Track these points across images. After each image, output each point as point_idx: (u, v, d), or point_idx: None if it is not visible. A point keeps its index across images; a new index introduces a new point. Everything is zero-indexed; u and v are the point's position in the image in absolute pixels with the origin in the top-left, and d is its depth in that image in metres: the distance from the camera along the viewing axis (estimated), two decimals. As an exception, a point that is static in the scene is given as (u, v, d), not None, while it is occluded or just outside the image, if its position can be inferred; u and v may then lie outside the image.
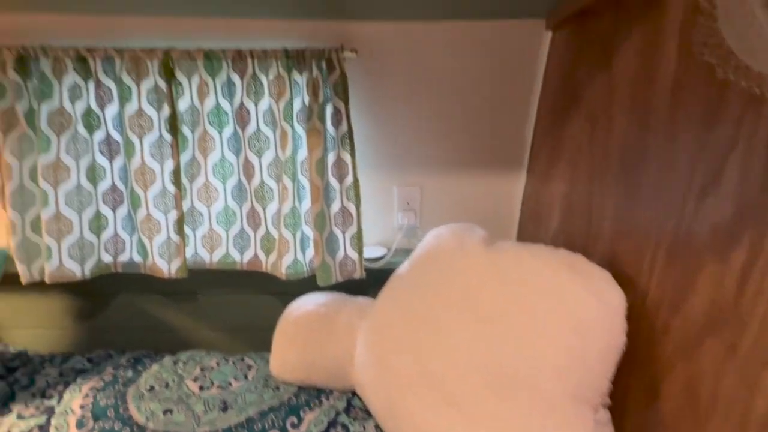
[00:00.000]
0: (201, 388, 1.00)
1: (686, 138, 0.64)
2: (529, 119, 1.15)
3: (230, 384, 1.01)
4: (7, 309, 1.24)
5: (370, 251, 1.21)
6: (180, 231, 1.08)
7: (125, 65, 1.01)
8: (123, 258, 1.14)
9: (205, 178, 1.11)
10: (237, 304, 1.25)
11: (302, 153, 1.07)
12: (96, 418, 0.90)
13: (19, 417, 0.91)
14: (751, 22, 0.49)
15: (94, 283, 1.11)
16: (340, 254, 1.12)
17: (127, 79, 1.02)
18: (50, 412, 0.92)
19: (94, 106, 1.04)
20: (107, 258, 1.13)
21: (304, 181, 1.09)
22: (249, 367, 1.07)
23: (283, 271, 1.11)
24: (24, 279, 1.07)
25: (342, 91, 1.02)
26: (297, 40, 1.03)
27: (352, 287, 1.13)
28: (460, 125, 1.15)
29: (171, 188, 1.07)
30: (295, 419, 0.90)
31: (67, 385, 1.01)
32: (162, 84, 1.01)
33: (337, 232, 1.11)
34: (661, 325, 0.68)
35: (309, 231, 1.12)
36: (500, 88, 1.11)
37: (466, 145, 1.17)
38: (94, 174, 1.07)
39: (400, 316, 0.90)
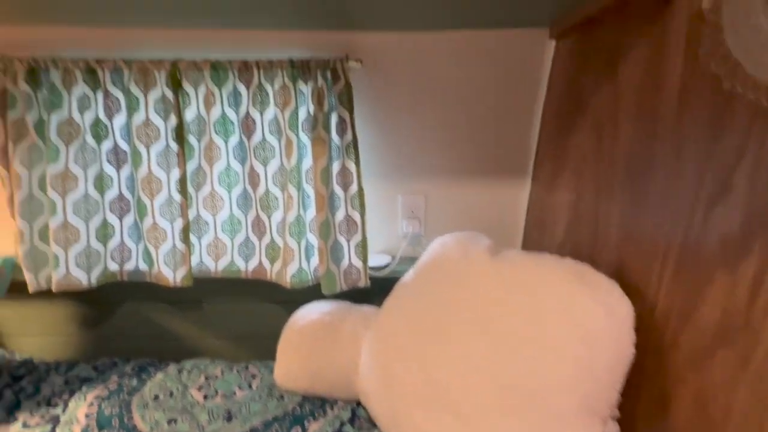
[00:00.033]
0: (205, 397, 1.00)
1: (693, 147, 0.64)
2: (534, 128, 1.15)
3: (234, 393, 1.01)
4: (15, 317, 1.24)
5: (375, 260, 1.20)
6: (186, 239, 1.09)
7: (133, 76, 1.02)
8: (129, 266, 1.15)
9: (211, 186, 1.11)
10: (241, 312, 1.25)
11: (307, 162, 1.07)
12: (101, 428, 0.90)
13: (25, 426, 0.91)
14: (757, 34, 0.48)
15: (99, 291, 1.12)
16: (345, 263, 1.12)
17: (135, 90, 1.03)
18: (55, 421, 0.92)
19: (102, 116, 1.05)
20: (113, 266, 1.13)
21: (309, 190, 1.09)
22: (253, 376, 1.07)
23: (287, 280, 1.11)
24: (31, 287, 1.08)
25: (347, 101, 1.03)
26: (302, 51, 1.04)
27: (356, 296, 1.13)
28: (465, 134, 1.15)
29: (177, 197, 1.07)
30: (299, 429, 0.89)
31: (72, 393, 1.01)
32: (169, 94, 1.02)
33: (342, 240, 1.11)
34: (670, 336, 0.67)
35: (314, 239, 1.12)
36: (504, 97, 1.11)
37: (471, 153, 1.17)
38: (101, 183, 1.08)
39: (404, 325, 0.89)
